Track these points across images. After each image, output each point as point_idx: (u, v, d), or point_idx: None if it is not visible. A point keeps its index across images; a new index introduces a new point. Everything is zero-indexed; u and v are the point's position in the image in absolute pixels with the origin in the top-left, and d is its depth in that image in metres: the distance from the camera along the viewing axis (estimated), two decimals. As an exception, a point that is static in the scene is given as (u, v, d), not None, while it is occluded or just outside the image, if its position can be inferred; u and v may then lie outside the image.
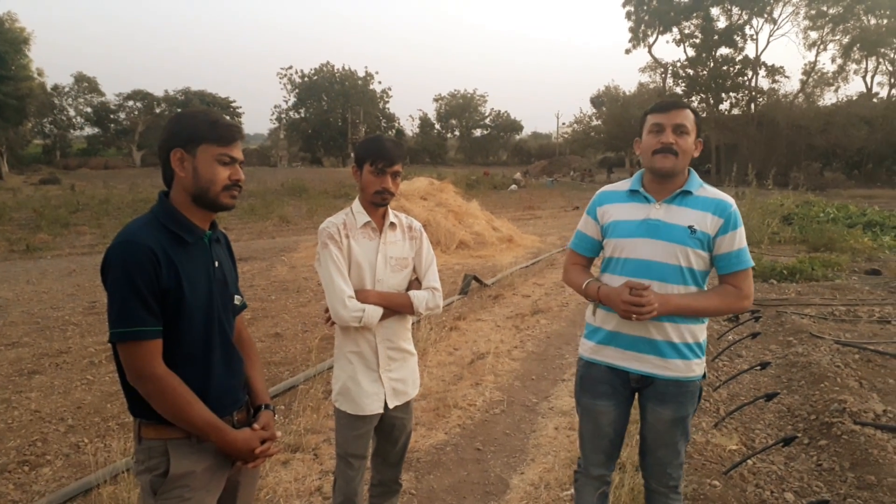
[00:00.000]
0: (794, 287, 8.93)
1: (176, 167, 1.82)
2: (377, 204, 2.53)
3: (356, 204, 2.58)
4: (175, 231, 1.80)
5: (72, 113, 58.45)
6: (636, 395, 2.50)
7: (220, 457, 1.86)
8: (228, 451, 1.84)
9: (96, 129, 59.65)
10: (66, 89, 57.44)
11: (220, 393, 1.87)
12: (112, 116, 59.56)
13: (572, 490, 3.04)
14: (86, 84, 58.04)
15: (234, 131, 1.86)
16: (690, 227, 2.31)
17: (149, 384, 1.72)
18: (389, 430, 2.63)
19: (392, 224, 2.59)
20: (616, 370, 2.43)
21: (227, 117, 2.09)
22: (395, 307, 2.53)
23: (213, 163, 1.81)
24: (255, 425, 1.92)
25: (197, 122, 1.83)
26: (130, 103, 59.70)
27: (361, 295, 2.46)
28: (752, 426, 4.31)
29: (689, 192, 2.36)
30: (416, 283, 2.63)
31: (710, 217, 2.32)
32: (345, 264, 2.46)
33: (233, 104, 63.60)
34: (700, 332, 2.40)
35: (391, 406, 2.56)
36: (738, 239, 2.34)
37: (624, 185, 2.51)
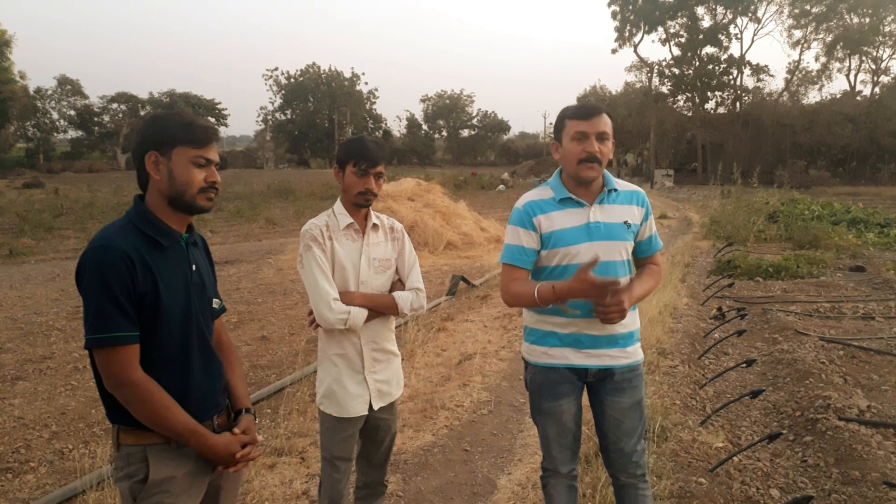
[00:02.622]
0: (779, 284, 9.00)
1: (151, 170, 1.79)
2: (360, 205, 2.52)
3: (338, 205, 2.57)
4: (151, 235, 1.77)
5: (55, 116, 58.12)
6: (585, 389, 2.54)
7: (200, 462, 1.83)
8: (209, 455, 1.82)
9: (80, 132, 59.30)
10: (49, 92, 57.07)
11: (199, 397, 1.85)
12: (96, 119, 59.23)
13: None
14: (69, 87, 57.66)
15: (209, 133, 1.84)
16: (625, 221, 2.44)
17: (126, 390, 1.70)
18: (374, 431, 2.62)
19: (374, 225, 2.58)
20: (575, 369, 2.44)
21: (208, 118, 2.07)
22: (380, 308, 2.52)
23: (188, 165, 1.79)
24: (236, 429, 1.90)
25: (171, 125, 1.80)
26: (114, 106, 59.43)
27: (346, 297, 2.45)
28: (738, 423, 4.33)
29: (614, 190, 2.46)
30: (399, 284, 2.62)
31: (637, 209, 2.49)
32: (329, 266, 2.45)
33: (218, 105, 63.36)
34: (637, 316, 2.53)
35: (376, 408, 2.55)
36: (652, 223, 2.57)
37: (546, 192, 2.46)
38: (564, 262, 2.38)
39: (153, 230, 1.79)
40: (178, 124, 1.80)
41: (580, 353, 2.41)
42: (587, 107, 2.42)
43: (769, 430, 4.14)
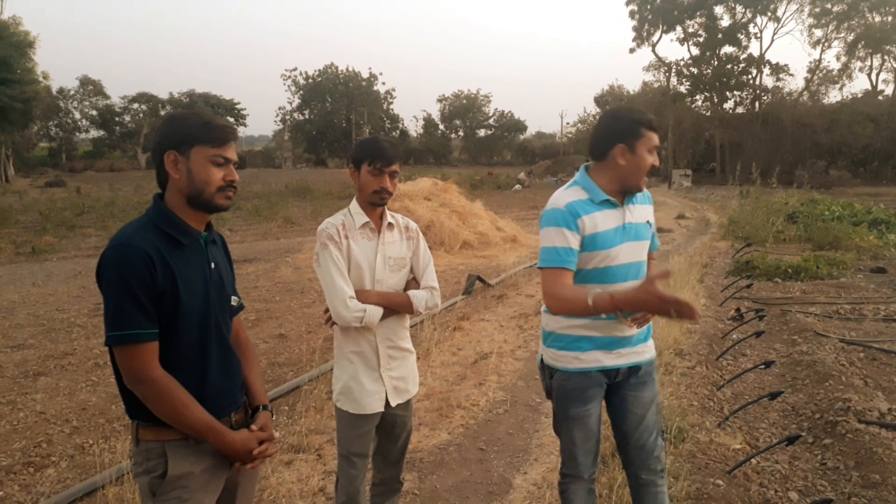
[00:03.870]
0: (798, 286, 8.90)
1: (170, 169, 1.81)
2: (375, 204, 2.53)
3: (354, 205, 2.59)
4: (170, 233, 1.80)
5: (77, 116, 58.90)
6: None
7: (218, 458, 1.85)
8: (226, 452, 1.84)
9: (101, 132, 60.04)
10: (72, 92, 57.85)
11: (217, 394, 1.87)
12: (117, 119, 59.94)
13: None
14: (91, 87, 58.41)
15: (227, 132, 1.86)
16: (648, 221, 2.51)
17: (146, 387, 1.72)
18: (390, 428, 2.63)
19: (390, 224, 2.60)
20: (607, 371, 2.45)
21: (227, 118, 2.09)
22: (395, 307, 2.54)
23: (207, 164, 1.81)
24: (253, 426, 1.92)
25: (190, 124, 1.82)
26: (135, 106, 60.10)
27: (362, 295, 2.47)
28: (757, 425, 4.29)
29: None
30: (413, 282, 2.64)
31: (651, 208, 2.58)
32: (345, 265, 2.47)
33: (237, 106, 63.82)
34: None
35: (393, 404, 2.57)
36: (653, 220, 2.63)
37: (581, 193, 2.39)
38: (603, 265, 2.37)
39: (173, 228, 1.81)
40: (196, 124, 1.82)
41: (611, 354, 2.42)
42: (653, 119, 2.42)
43: (788, 432, 4.10)
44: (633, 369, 2.48)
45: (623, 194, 2.43)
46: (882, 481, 3.35)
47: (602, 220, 2.36)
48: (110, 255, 1.72)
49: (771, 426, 4.28)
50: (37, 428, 4.46)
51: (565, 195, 2.40)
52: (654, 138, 2.36)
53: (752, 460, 3.67)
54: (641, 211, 2.49)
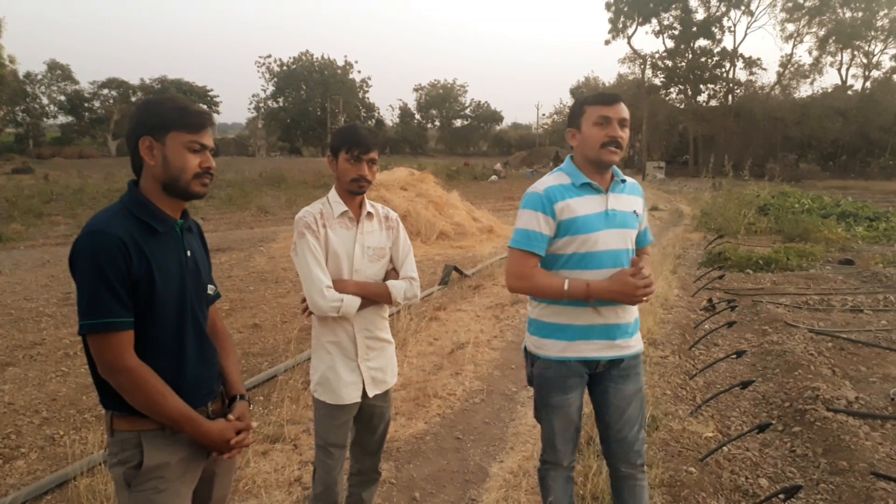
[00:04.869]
0: (769, 277, 9.06)
1: (145, 155, 1.78)
2: (353, 192, 2.51)
3: (332, 193, 2.57)
4: (145, 220, 1.76)
5: (45, 101, 57.44)
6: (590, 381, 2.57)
7: (195, 448, 1.83)
8: (203, 442, 1.82)
9: (70, 118, 58.68)
10: (39, 77, 56.40)
11: (193, 384, 1.84)
12: (86, 105, 58.63)
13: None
14: (59, 72, 57.02)
15: (203, 118, 1.83)
16: (634, 211, 2.51)
17: (121, 376, 1.69)
18: (368, 418, 2.63)
19: (369, 214, 2.58)
20: (586, 361, 2.46)
21: (200, 104, 2.05)
22: (373, 297, 2.52)
23: (183, 150, 1.78)
24: (230, 416, 1.90)
25: (165, 110, 1.79)
26: (105, 91, 58.81)
27: (339, 285, 2.45)
28: (728, 413, 4.37)
29: (623, 180, 2.51)
30: (393, 272, 2.62)
31: (640, 200, 2.57)
32: (322, 254, 2.45)
33: (210, 93, 62.88)
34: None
35: (371, 395, 2.56)
36: (646, 214, 2.65)
37: (563, 178, 2.45)
38: (583, 250, 2.37)
39: (148, 216, 1.78)
40: (172, 109, 1.79)
41: (593, 344, 2.43)
42: (609, 94, 2.45)
43: (758, 420, 4.18)
44: (615, 362, 2.48)
45: (605, 178, 2.45)
46: (849, 468, 3.43)
47: (581, 205, 2.39)
48: (84, 242, 1.68)
49: (742, 414, 4.36)
50: (5, 419, 4.38)
51: (547, 179, 2.47)
52: (600, 110, 2.36)
53: (724, 448, 3.74)
54: (628, 200, 2.50)
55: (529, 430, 4.23)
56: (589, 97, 2.45)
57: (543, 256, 2.41)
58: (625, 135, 2.38)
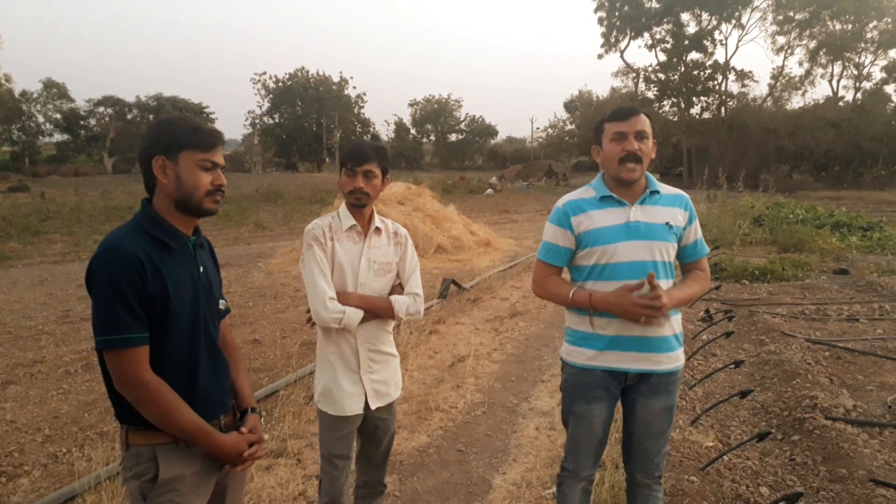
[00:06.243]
0: (765, 287, 9.11)
1: (158, 174, 1.83)
2: (353, 205, 2.56)
3: (342, 208, 2.62)
4: (159, 237, 1.81)
5: (41, 119, 57.36)
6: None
7: (208, 461, 1.87)
8: (217, 454, 1.85)
9: (66, 136, 58.62)
10: (35, 95, 56.38)
11: (206, 397, 1.88)
12: (82, 123, 58.59)
13: (553, 489, 3.10)
14: (55, 90, 57.03)
15: (214, 137, 1.88)
16: (667, 223, 2.44)
17: (136, 391, 1.73)
18: (373, 431, 2.66)
19: (377, 229, 2.63)
20: (614, 372, 2.45)
21: (210, 124, 2.11)
22: (376, 310, 2.56)
23: (195, 169, 1.83)
24: (243, 428, 1.94)
25: (178, 129, 1.84)
26: (101, 109, 58.81)
27: (343, 297, 2.49)
28: (728, 423, 4.40)
29: (657, 192, 2.48)
30: (399, 287, 2.67)
31: (680, 212, 2.49)
32: (328, 266, 2.49)
33: (206, 110, 63.00)
34: (679, 321, 2.54)
35: (373, 407, 2.59)
36: (697, 228, 2.57)
37: (588, 192, 2.51)
38: (603, 261, 2.40)
39: (161, 233, 1.82)
40: (184, 129, 1.84)
41: (621, 356, 2.41)
42: (624, 108, 2.45)
43: (758, 429, 4.21)
44: (645, 376, 2.44)
45: (633, 191, 2.45)
46: (848, 475, 3.46)
47: (600, 217, 2.43)
48: (100, 259, 1.72)
49: (741, 424, 4.39)
50: (7, 437, 4.38)
51: (570, 194, 2.57)
52: (615, 126, 2.40)
53: (725, 457, 3.77)
54: (660, 212, 2.44)
55: (532, 441, 4.26)
56: (607, 114, 2.48)
57: (561, 267, 2.53)
58: (645, 146, 2.38)
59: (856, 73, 47.08)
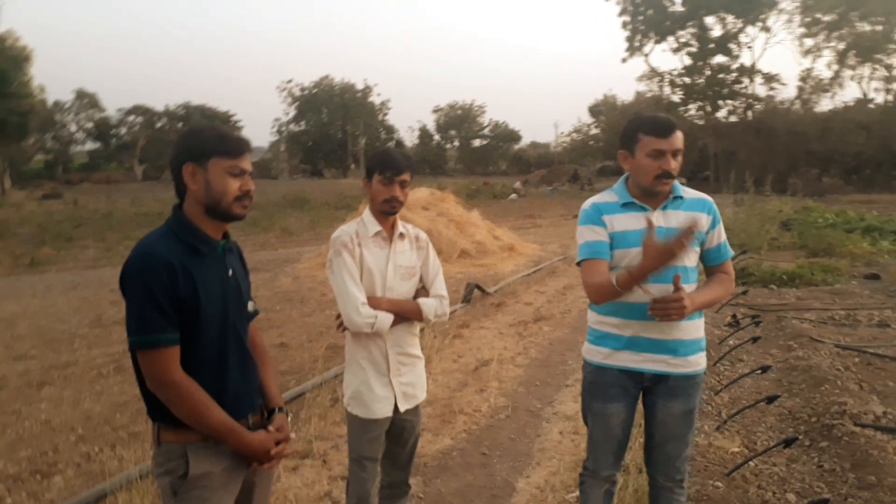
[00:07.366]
0: (793, 292, 8.99)
1: (188, 181, 1.89)
2: (386, 213, 2.61)
3: (367, 214, 2.67)
4: (190, 242, 1.87)
5: (73, 128, 58.76)
6: (642, 393, 2.56)
7: (236, 459, 1.92)
8: (245, 452, 1.90)
9: (98, 144, 59.91)
10: (68, 105, 57.74)
11: (235, 396, 1.93)
12: (113, 131, 59.83)
13: (576, 493, 3.11)
14: (87, 100, 58.36)
15: (242, 144, 1.94)
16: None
17: (168, 390, 1.79)
18: (399, 432, 2.70)
19: (401, 234, 2.68)
20: (630, 372, 2.46)
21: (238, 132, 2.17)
22: (405, 314, 2.61)
23: (224, 175, 1.89)
24: (270, 427, 1.99)
25: (206, 137, 1.90)
26: (131, 118, 59.98)
27: (373, 302, 2.55)
28: (754, 429, 4.36)
29: (679, 197, 2.48)
30: (422, 291, 2.71)
31: (704, 216, 2.48)
32: (357, 272, 2.55)
33: (233, 118, 63.90)
34: (702, 325, 2.53)
35: (402, 409, 2.64)
36: (721, 231, 2.55)
37: (611, 197, 2.52)
38: (623, 265, 2.40)
39: (192, 237, 1.88)
40: (212, 137, 1.91)
41: (637, 356, 2.43)
42: (664, 124, 2.38)
43: (785, 435, 4.16)
44: (662, 378, 2.45)
45: (656, 197, 2.45)
46: (878, 483, 3.41)
47: (623, 221, 2.44)
48: (134, 262, 1.79)
49: (768, 430, 4.35)
50: (42, 437, 4.51)
51: (595, 197, 2.57)
52: (655, 143, 2.34)
53: (751, 463, 3.74)
54: (682, 217, 2.42)
55: (555, 445, 4.26)
56: (644, 123, 2.41)
57: (609, 260, 2.42)
58: (678, 164, 2.39)
59: (886, 74, 46.20)
